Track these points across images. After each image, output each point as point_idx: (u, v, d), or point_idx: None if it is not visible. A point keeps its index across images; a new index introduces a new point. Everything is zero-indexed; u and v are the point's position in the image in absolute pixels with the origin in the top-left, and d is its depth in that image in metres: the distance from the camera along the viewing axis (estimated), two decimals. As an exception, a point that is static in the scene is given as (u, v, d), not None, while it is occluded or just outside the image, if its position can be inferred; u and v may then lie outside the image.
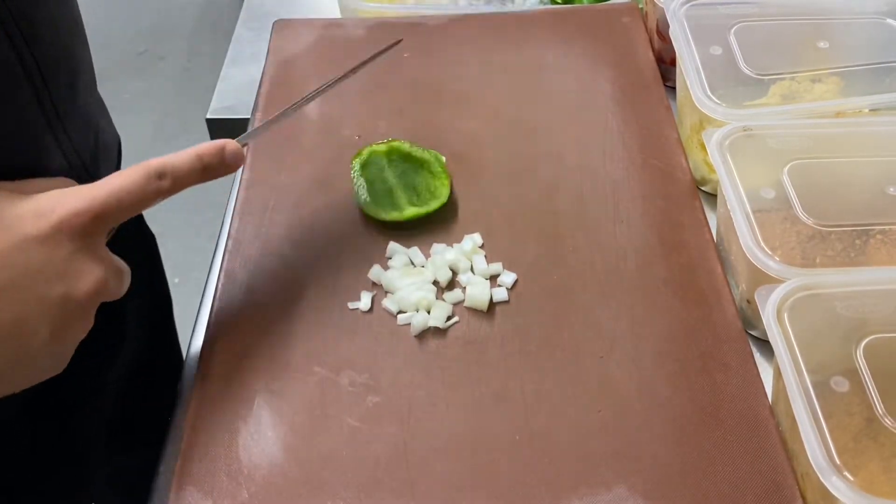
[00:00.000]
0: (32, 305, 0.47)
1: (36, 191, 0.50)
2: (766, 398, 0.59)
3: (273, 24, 0.90)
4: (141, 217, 0.82)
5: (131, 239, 0.76)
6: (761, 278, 0.58)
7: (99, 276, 0.49)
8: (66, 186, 0.52)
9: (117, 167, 0.71)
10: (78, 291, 0.48)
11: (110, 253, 0.52)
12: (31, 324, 0.47)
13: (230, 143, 0.58)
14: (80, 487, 0.72)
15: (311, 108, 0.78)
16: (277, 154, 0.77)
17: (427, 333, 0.63)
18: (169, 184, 0.54)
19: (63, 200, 0.49)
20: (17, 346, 0.47)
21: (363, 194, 0.70)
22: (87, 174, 0.62)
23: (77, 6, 0.62)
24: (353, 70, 0.70)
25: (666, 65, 0.86)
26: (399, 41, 0.74)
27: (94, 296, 0.49)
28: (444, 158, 0.73)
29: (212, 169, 0.57)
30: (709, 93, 0.70)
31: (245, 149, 0.61)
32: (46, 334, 0.47)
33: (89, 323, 0.50)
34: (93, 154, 0.64)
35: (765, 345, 0.64)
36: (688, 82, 0.71)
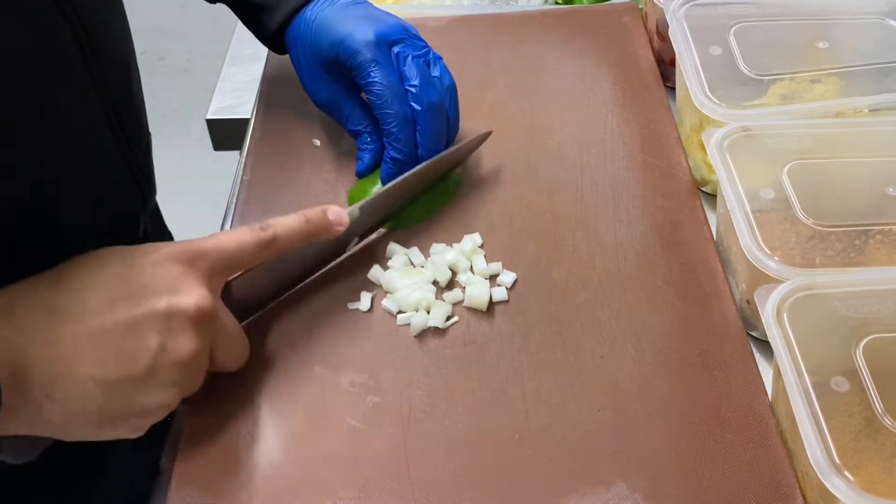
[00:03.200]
0: (143, 314, 0.51)
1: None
2: (766, 398, 0.59)
3: (273, 24, 0.90)
4: (160, 218, 0.83)
5: (154, 238, 0.78)
6: (761, 278, 0.58)
7: (203, 295, 0.53)
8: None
9: None
10: (182, 305, 0.52)
11: (230, 313, 0.57)
12: (140, 332, 0.50)
13: (333, 206, 0.63)
14: (100, 479, 0.72)
15: (313, 110, 0.78)
16: (278, 155, 0.77)
17: (427, 333, 0.63)
18: (272, 235, 0.57)
19: (168, 244, 0.55)
20: (134, 351, 0.50)
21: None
22: (144, 177, 0.66)
23: (125, 13, 0.65)
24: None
25: (666, 65, 0.86)
26: (489, 133, 0.74)
27: (198, 312, 0.52)
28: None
29: (314, 223, 0.61)
30: (708, 93, 0.70)
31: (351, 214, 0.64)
32: (155, 345, 0.51)
33: (197, 345, 0.53)
34: (146, 153, 0.67)
35: (765, 345, 0.64)
36: (688, 82, 0.71)
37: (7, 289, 0.50)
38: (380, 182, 0.71)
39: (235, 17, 1.02)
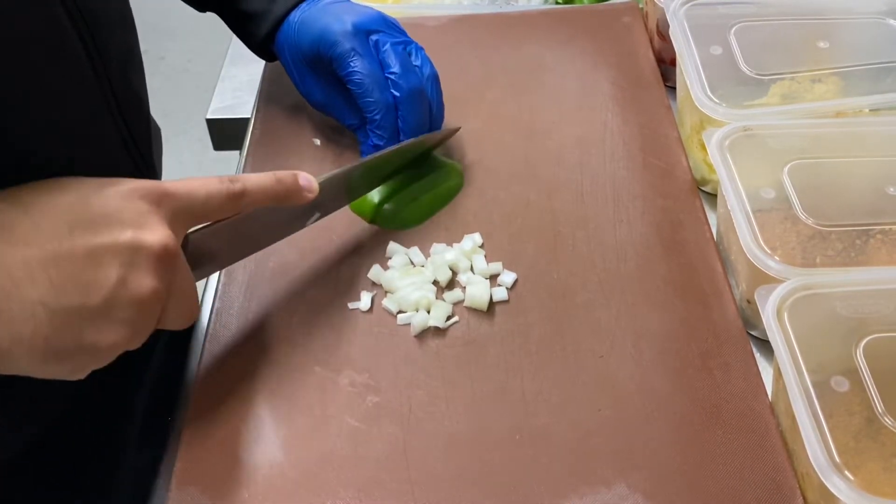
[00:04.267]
0: (105, 244, 0.48)
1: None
2: (767, 397, 0.59)
3: (273, 24, 0.90)
4: None
5: None
6: (761, 278, 0.58)
7: (168, 237, 0.50)
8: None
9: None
10: (148, 240, 0.49)
11: (188, 266, 0.54)
12: (101, 262, 0.48)
13: (303, 172, 0.61)
14: (110, 475, 0.72)
15: (313, 110, 0.78)
16: (278, 155, 0.77)
17: (427, 333, 0.63)
18: (241, 188, 0.55)
19: (143, 180, 0.52)
20: (92, 281, 0.47)
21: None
22: (143, 161, 0.65)
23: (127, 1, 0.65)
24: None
25: (666, 65, 0.86)
26: (458, 129, 0.76)
27: (162, 251, 0.50)
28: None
29: (285, 185, 0.59)
30: (709, 93, 0.70)
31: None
32: (114, 278, 0.48)
33: (157, 286, 0.50)
34: (145, 139, 0.67)
35: (765, 345, 0.63)
36: (688, 82, 0.71)
37: None
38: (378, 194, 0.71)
39: (235, 17, 1.02)
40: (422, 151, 0.73)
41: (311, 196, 0.61)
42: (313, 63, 0.73)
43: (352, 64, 0.69)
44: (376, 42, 0.70)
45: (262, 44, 0.76)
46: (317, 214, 0.66)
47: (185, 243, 0.56)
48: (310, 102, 0.77)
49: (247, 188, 0.56)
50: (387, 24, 0.72)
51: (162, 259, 0.50)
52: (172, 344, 0.80)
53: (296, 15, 0.73)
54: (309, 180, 0.61)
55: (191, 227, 0.55)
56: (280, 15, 0.74)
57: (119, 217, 0.49)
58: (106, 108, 0.59)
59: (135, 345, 0.51)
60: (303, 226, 0.66)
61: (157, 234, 0.50)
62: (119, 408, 0.71)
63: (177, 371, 0.66)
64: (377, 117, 0.69)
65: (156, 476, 0.59)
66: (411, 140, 0.71)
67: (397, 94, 0.69)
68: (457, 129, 0.76)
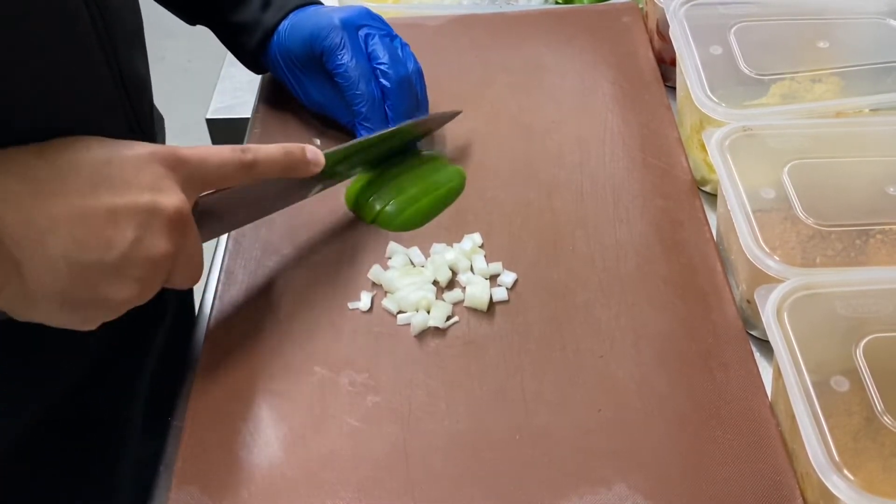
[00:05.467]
0: (125, 204, 0.50)
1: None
2: (766, 397, 0.59)
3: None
4: None
5: None
6: (761, 278, 0.58)
7: (182, 201, 0.52)
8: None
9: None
10: (164, 204, 0.51)
11: (195, 226, 0.55)
12: (119, 221, 0.50)
13: (310, 146, 0.63)
14: (112, 467, 0.72)
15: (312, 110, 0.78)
16: (277, 154, 0.77)
17: (427, 333, 0.63)
18: (252, 157, 0.57)
19: (157, 145, 0.54)
20: (111, 238, 0.49)
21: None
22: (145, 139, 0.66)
23: None
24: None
25: (666, 65, 0.86)
26: (458, 112, 0.77)
27: (177, 215, 0.52)
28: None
29: (294, 157, 0.61)
30: (709, 93, 0.70)
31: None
32: (131, 237, 0.50)
33: (171, 248, 0.52)
34: (148, 120, 0.68)
35: (765, 345, 0.63)
36: (688, 82, 0.71)
37: None
38: (373, 174, 0.73)
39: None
40: (422, 133, 0.75)
41: (317, 169, 0.63)
42: (306, 64, 0.74)
43: (340, 57, 0.70)
44: (365, 36, 0.72)
45: (252, 55, 0.78)
46: (319, 186, 0.68)
47: (195, 206, 0.57)
48: (308, 105, 0.78)
49: (258, 158, 0.58)
50: (373, 18, 0.73)
51: (175, 222, 0.52)
52: (175, 330, 0.81)
53: (285, 23, 0.75)
54: (315, 153, 0.63)
55: (202, 192, 0.57)
56: (271, 25, 0.75)
57: (138, 179, 0.51)
58: (113, 90, 0.59)
59: (143, 300, 0.53)
60: (306, 196, 0.68)
61: (172, 198, 0.52)
62: (118, 398, 0.71)
63: (179, 360, 0.67)
64: (363, 110, 0.71)
65: (156, 472, 0.59)
66: (413, 120, 0.72)
67: (386, 83, 0.71)
68: (457, 112, 0.77)
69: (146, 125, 0.67)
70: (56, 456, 0.66)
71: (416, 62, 0.74)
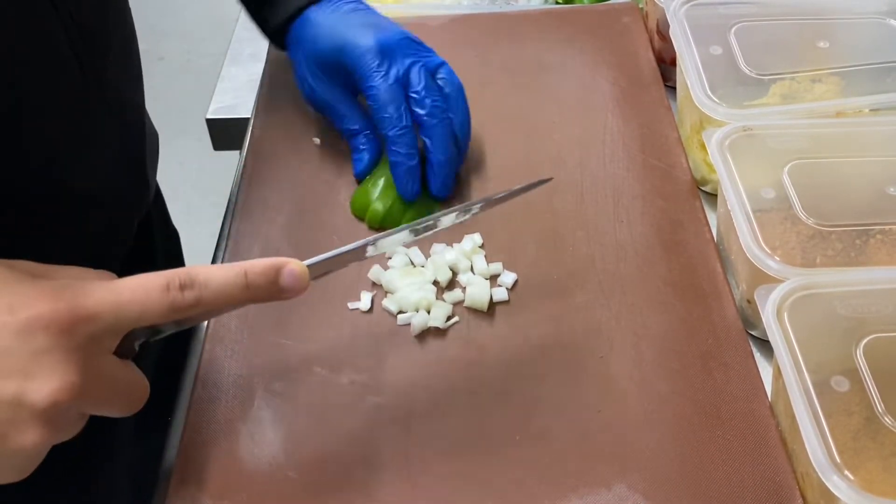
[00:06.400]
0: None
1: (63, 276, 0.46)
2: (766, 397, 0.59)
3: (273, 24, 0.90)
4: (167, 215, 0.84)
5: (157, 235, 0.78)
6: (761, 278, 0.58)
7: (68, 381, 0.42)
8: (100, 280, 0.46)
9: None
10: (33, 394, 0.42)
11: (122, 367, 0.46)
12: None
13: (291, 264, 0.48)
14: (102, 466, 0.72)
15: (313, 110, 0.78)
16: (278, 155, 0.77)
17: (427, 333, 0.63)
18: (193, 297, 0.45)
19: (62, 293, 0.43)
20: None
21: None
22: (137, 171, 0.65)
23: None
24: (498, 201, 0.62)
25: (666, 65, 0.86)
26: (549, 179, 0.67)
27: (52, 403, 0.42)
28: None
29: (258, 289, 0.47)
30: (709, 93, 0.70)
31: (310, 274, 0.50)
32: None
33: (47, 437, 0.43)
34: (140, 147, 0.67)
35: (765, 344, 0.63)
36: (688, 82, 0.71)
37: None
38: (379, 186, 0.71)
39: (235, 17, 1.02)
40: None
41: (293, 295, 0.49)
42: (328, 67, 0.73)
43: (374, 79, 0.69)
44: (401, 62, 0.70)
45: (275, 32, 0.77)
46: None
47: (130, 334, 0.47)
48: (309, 99, 0.77)
49: (202, 299, 0.45)
50: (410, 42, 0.72)
51: (50, 412, 0.42)
52: (169, 337, 0.80)
53: (317, 15, 0.73)
54: (294, 278, 0.48)
55: (124, 334, 0.46)
56: (298, 7, 0.74)
57: (7, 364, 0.42)
58: (99, 109, 0.59)
59: (23, 476, 0.45)
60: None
61: (48, 384, 0.42)
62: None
63: (173, 362, 0.66)
64: (390, 134, 0.69)
65: (154, 472, 0.59)
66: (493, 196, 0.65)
67: (420, 111, 0.69)
68: (546, 180, 0.66)
69: (135, 144, 0.66)
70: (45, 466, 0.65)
71: (456, 78, 0.72)
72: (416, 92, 0.69)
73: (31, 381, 0.42)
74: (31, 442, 0.42)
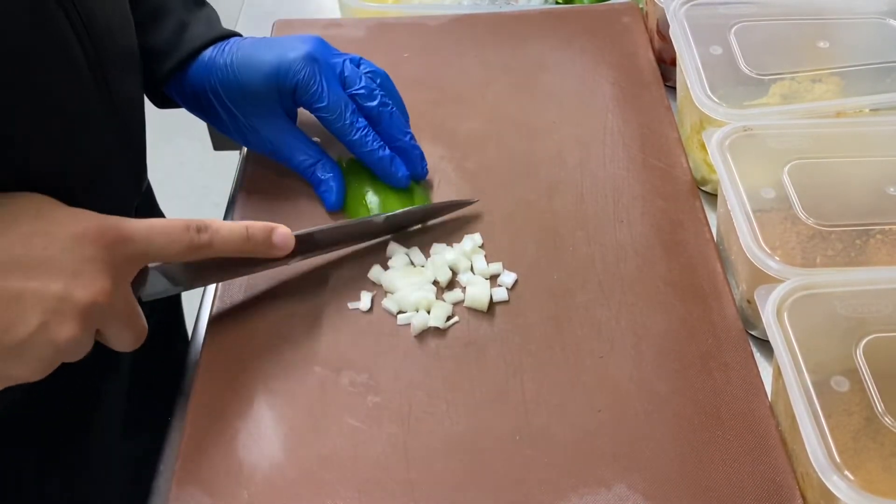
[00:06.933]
0: (33, 289, 0.48)
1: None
2: (766, 398, 0.59)
3: (273, 24, 0.90)
4: (154, 202, 0.84)
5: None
6: (761, 278, 0.58)
7: (105, 288, 0.50)
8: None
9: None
10: (77, 294, 0.49)
11: (134, 299, 0.54)
12: (25, 306, 0.48)
13: (281, 227, 0.61)
14: (91, 464, 0.72)
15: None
16: (277, 154, 0.77)
17: (427, 333, 0.63)
18: (207, 239, 0.56)
19: (101, 216, 0.52)
20: (12, 322, 0.48)
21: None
22: (138, 163, 0.67)
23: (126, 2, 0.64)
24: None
25: (666, 65, 0.86)
26: (475, 201, 0.71)
27: (91, 305, 0.50)
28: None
29: (256, 242, 0.59)
30: (709, 93, 0.70)
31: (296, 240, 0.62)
32: (35, 324, 0.48)
33: (80, 334, 0.50)
34: (140, 142, 0.67)
35: (765, 345, 0.63)
36: (688, 82, 0.71)
37: None
38: (369, 192, 0.71)
39: (235, 18, 1.02)
40: (419, 219, 0.70)
41: (281, 254, 0.61)
42: (261, 101, 0.69)
43: (320, 89, 0.67)
44: (333, 65, 0.69)
45: (158, 84, 0.71)
46: (299, 257, 0.65)
47: (145, 270, 0.57)
48: (253, 145, 0.73)
49: (213, 241, 0.56)
50: (328, 47, 0.70)
51: (89, 310, 0.50)
52: (169, 336, 0.80)
53: (222, 55, 0.69)
54: (284, 238, 0.61)
55: (146, 264, 0.56)
56: (190, 51, 0.69)
57: (56, 264, 0.49)
58: (104, 110, 0.59)
59: (45, 374, 0.51)
60: (286, 263, 0.64)
61: (90, 287, 0.50)
62: (86, 394, 0.71)
63: (174, 362, 0.66)
64: (354, 138, 0.68)
65: (156, 475, 0.59)
66: (419, 207, 0.69)
67: (370, 103, 0.69)
68: (471, 202, 0.71)
69: (137, 143, 0.67)
70: (29, 441, 0.66)
71: (379, 71, 0.72)
72: (361, 88, 0.69)
73: (77, 281, 0.49)
74: (66, 335, 0.49)
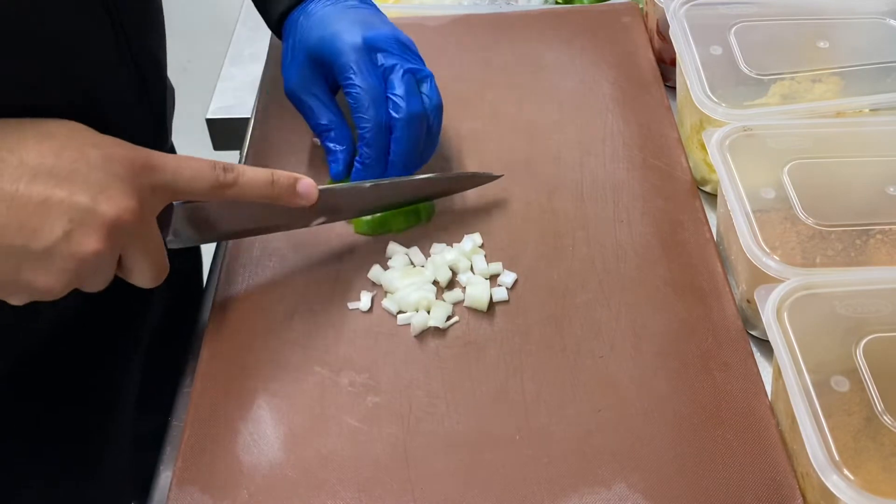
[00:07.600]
0: (60, 198, 0.49)
1: None
2: (766, 397, 0.59)
3: (273, 24, 0.90)
4: None
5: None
6: (761, 278, 0.58)
7: (131, 207, 0.51)
8: None
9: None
10: (104, 205, 0.50)
11: (158, 232, 0.55)
12: (52, 213, 0.49)
13: (307, 179, 0.61)
14: (102, 445, 0.73)
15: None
16: (278, 155, 0.77)
17: (427, 333, 0.63)
18: (233, 178, 0.57)
19: (132, 145, 0.54)
20: (38, 228, 0.49)
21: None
22: (156, 119, 0.67)
23: None
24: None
25: (666, 65, 0.86)
26: (500, 176, 0.72)
27: (116, 221, 0.51)
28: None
29: (280, 187, 0.60)
30: (709, 93, 0.70)
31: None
32: (60, 232, 0.49)
33: (102, 249, 0.51)
34: (160, 99, 0.69)
35: (765, 344, 0.63)
36: (688, 82, 0.71)
37: None
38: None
39: (235, 17, 1.02)
40: (442, 192, 0.71)
41: (305, 203, 0.62)
42: (313, 59, 0.70)
43: (352, 77, 0.67)
44: (384, 62, 0.68)
45: (276, 24, 0.75)
46: (322, 218, 0.66)
47: (170, 209, 0.58)
48: (287, 91, 0.73)
49: (238, 182, 0.57)
50: (399, 45, 0.69)
51: (113, 227, 0.51)
52: (167, 304, 0.80)
53: (315, 6, 0.71)
54: (308, 188, 0.61)
55: (172, 200, 0.57)
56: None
57: (85, 177, 0.50)
58: (126, 68, 0.60)
59: (68, 290, 0.52)
60: (306, 225, 0.65)
61: (115, 203, 0.51)
62: (149, 364, 0.71)
63: (173, 362, 0.66)
64: (368, 135, 0.67)
65: (156, 475, 0.59)
66: (437, 175, 0.69)
67: (395, 115, 0.66)
68: (498, 176, 0.72)
69: (157, 101, 0.67)
70: (37, 419, 0.66)
71: (438, 96, 0.69)
72: (395, 95, 0.67)
73: (105, 195, 0.50)
74: (90, 248, 0.50)
